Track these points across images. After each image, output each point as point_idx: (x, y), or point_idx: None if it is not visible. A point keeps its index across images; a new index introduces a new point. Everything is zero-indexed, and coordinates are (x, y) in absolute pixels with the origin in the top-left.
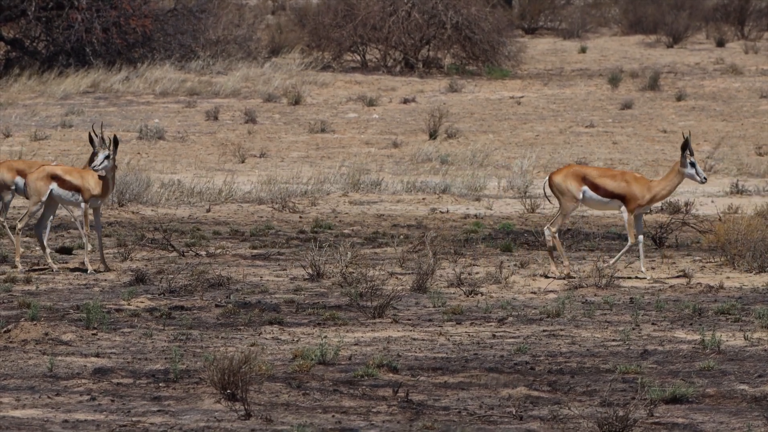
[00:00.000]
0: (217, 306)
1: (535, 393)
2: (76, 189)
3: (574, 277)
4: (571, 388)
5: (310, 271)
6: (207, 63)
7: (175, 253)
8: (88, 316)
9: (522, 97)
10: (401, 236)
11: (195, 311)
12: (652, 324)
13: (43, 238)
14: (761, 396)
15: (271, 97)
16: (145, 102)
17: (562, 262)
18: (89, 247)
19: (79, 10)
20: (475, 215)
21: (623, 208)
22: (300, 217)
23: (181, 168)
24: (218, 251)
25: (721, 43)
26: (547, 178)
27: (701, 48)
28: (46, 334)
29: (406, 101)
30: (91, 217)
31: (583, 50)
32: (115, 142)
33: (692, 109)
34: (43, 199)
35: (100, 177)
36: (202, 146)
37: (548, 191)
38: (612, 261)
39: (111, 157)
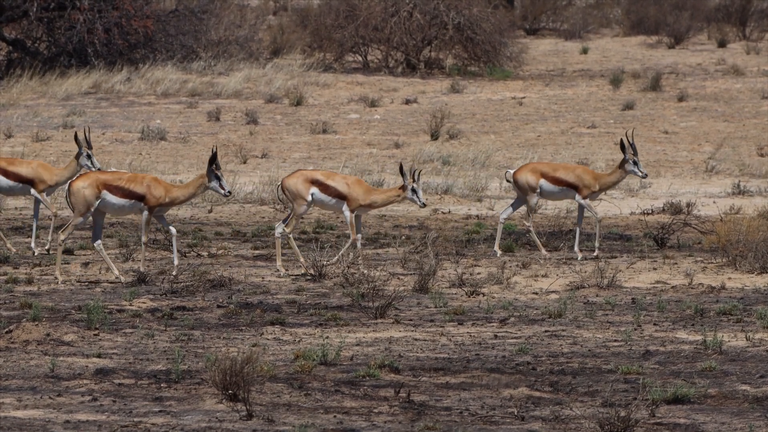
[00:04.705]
0: (218, 306)
1: (537, 393)
2: (340, 196)
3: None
4: (573, 388)
5: (311, 271)
6: (209, 64)
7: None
8: (89, 317)
9: (524, 97)
10: (403, 237)
11: (197, 312)
12: (654, 324)
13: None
14: (763, 396)
15: (273, 97)
16: (146, 103)
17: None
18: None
19: (81, 10)
20: (477, 216)
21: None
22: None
23: (183, 169)
24: (220, 252)
25: (722, 44)
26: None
27: (703, 49)
28: (48, 334)
29: (407, 102)
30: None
31: (584, 51)
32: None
33: (694, 110)
34: (309, 200)
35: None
36: (204, 147)
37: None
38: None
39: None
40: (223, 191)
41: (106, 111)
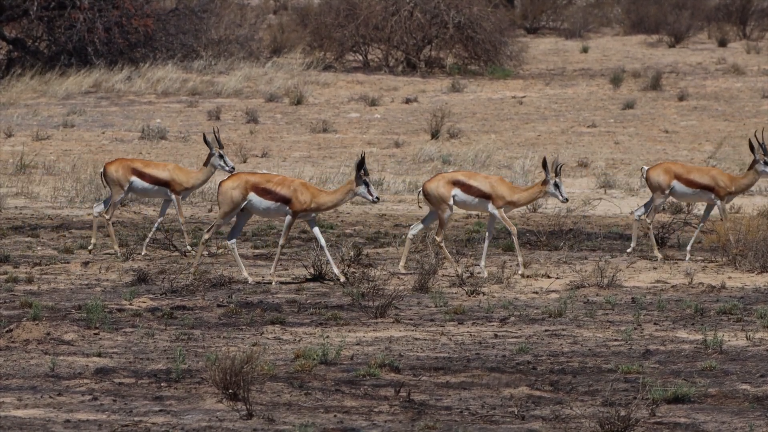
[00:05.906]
0: (218, 306)
1: (537, 393)
2: (484, 195)
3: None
4: (573, 387)
5: (312, 270)
6: (209, 63)
7: (177, 253)
8: (89, 316)
9: (524, 97)
10: (403, 236)
11: (197, 311)
12: (654, 324)
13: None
14: (763, 396)
15: (273, 96)
16: (147, 102)
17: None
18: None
19: (81, 9)
20: (477, 215)
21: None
22: None
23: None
24: (220, 251)
25: (723, 43)
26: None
27: (703, 48)
28: (48, 333)
29: (408, 101)
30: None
31: (585, 50)
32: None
33: (694, 109)
34: (451, 203)
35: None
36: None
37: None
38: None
39: None
40: (371, 197)
41: (106, 110)
